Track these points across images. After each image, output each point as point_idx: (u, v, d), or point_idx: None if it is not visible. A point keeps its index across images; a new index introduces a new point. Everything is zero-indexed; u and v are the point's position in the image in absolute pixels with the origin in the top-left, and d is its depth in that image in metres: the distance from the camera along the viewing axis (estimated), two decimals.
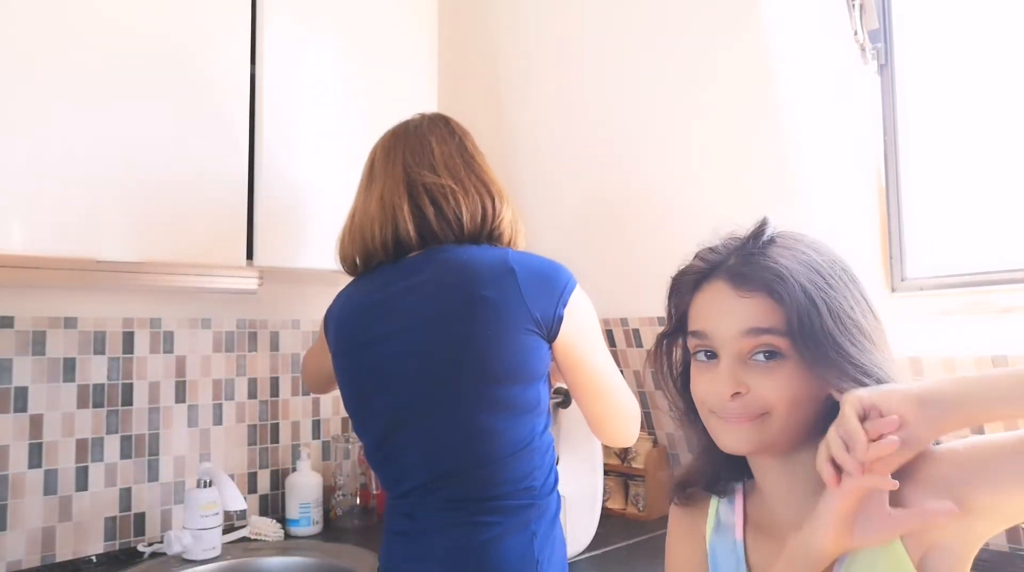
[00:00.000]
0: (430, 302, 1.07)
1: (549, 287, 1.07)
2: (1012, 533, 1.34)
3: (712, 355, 0.74)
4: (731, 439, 0.72)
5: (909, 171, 1.53)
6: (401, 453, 1.09)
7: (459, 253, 1.09)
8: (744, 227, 0.77)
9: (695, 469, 0.84)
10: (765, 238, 0.74)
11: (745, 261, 0.73)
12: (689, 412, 0.81)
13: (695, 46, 1.54)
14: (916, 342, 1.36)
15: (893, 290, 1.52)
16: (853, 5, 1.48)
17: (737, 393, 0.70)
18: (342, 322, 1.17)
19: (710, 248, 0.77)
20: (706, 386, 0.73)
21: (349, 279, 1.89)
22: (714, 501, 0.83)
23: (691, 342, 0.76)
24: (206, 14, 1.37)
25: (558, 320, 1.06)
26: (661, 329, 0.83)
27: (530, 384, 1.06)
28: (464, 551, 1.03)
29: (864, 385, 0.67)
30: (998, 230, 1.41)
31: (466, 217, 1.11)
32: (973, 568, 0.68)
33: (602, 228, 1.79)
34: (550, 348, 1.08)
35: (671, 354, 0.82)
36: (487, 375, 1.03)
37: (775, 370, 0.70)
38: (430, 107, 1.72)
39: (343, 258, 1.21)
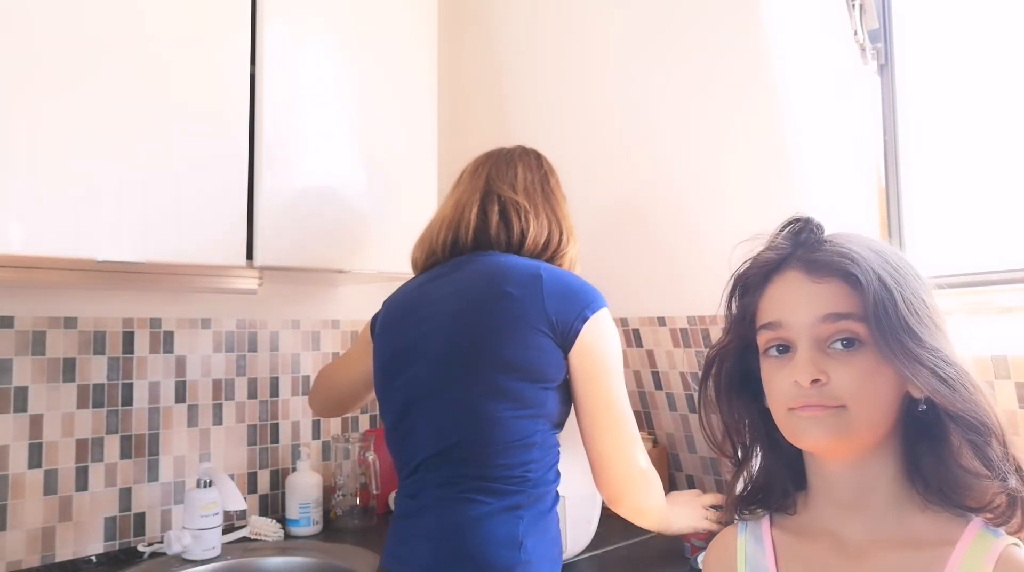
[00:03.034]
0: (460, 294, 1.14)
1: (572, 299, 1.11)
2: None
3: (785, 349, 0.72)
4: (811, 431, 0.70)
5: (909, 171, 1.53)
6: (414, 431, 1.14)
7: (499, 258, 1.16)
8: (780, 222, 0.76)
9: (759, 482, 0.81)
10: (820, 229, 0.74)
11: (815, 249, 0.73)
12: (752, 421, 0.79)
13: (694, 47, 1.54)
14: None
15: None
16: (853, 5, 1.48)
17: (817, 380, 0.69)
18: (389, 310, 1.25)
19: (768, 246, 0.76)
20: (785, 378, 0.71)
21: (348, 282, 1.90)
22: (741, 541, 0.81)
23: (763, 337, 0.74)
24: (206, 14, 1.37)
25: (575, 332, 1.09)
26: (714, 346, 0.80)
27: (537, 384, 1.09)
28: (452, 528, 1.07)
29: (940, 376, 0.66)
30: (998, 230, 1.41)
31: (531, 236, 1.19)
32: None
33: (600, 229, 1.79)
34: (565, 358, 1.10)
35: (724, 366, 0.80)
36: (496, 364, 1.08)
37: (854, 358, 0.69)
38: (430, 107, 1.73)
39: (412, 261, 1.29)
